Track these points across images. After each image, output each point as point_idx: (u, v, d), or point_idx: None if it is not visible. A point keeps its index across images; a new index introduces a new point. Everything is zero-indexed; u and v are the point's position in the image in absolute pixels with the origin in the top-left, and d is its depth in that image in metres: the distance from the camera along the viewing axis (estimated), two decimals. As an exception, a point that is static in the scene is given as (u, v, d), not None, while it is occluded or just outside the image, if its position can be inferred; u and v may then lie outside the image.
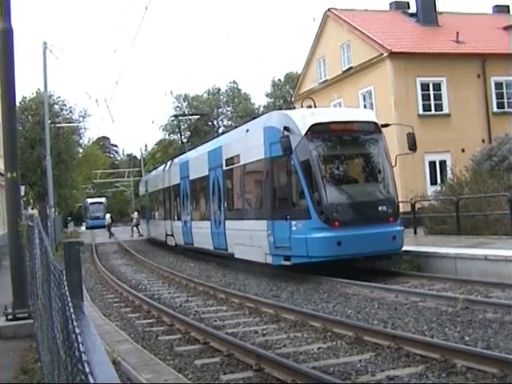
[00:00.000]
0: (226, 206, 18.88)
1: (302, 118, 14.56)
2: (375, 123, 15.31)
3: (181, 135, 47.78)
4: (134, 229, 45.82)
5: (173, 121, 55.22)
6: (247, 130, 17.56)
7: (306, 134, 14.13)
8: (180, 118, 47.96)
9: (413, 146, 16.41)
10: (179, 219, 25.55)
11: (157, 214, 33.11)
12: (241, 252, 17.42)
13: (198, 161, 22.49)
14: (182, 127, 65.78)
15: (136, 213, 47.61)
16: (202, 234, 21.35)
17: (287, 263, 14.66)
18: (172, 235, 27.33)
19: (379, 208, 14.46)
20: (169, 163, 30.04)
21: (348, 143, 15.28)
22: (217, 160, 19.60)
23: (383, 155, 15.20)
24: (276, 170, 15.13)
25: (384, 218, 14.36)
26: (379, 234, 13.92)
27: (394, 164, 15.44)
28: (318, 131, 14.36)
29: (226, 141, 19.95)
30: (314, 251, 13.78)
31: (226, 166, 18.71)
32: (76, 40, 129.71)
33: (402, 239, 14.76)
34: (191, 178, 23.34)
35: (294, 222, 14.20)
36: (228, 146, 18.95)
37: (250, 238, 16.43)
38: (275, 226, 14.89)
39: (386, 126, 16.50)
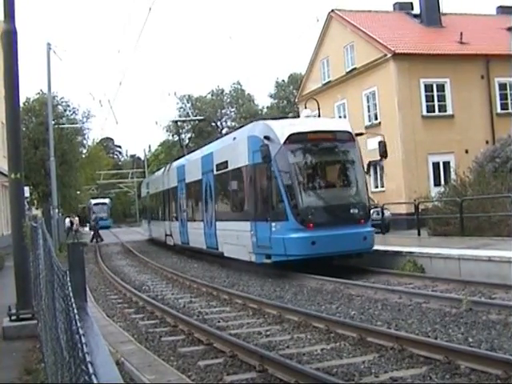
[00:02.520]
0: (216, 208, 20.38)
1: (281, 128, 15.83)
2: (349, 132, 16.49)
3: (180, 139, 48.16)
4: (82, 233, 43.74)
5: (174, 123, 55.43)
6: (234, 138, 18.89)
7: (284, 142, 15.41)
8: (182, 120, 48.37)
9: (383, 153, 17.99)
10: (177, 220, 26.97)
11: (157, 215, 34.31)
12: (229, 251, 18.79)
13: (192, 165, 23.93)
14: (186, 128, 65.89)
15: (77, 218, 45.81)
16: (196, 234, 22.74)
17: (268, 261, 15.97)
18: (171, 235, 28.60)
19: (351, 211, 15.67)
20: (168, 166, 31.35)
21: (323, 151, 16.35)
22: (208, 165, 20.98)
23: (356, 162, 16.39)
24: (258, 175, 16.38)
25: (355, 219, 15.58)
26: (351, 234, 15.13)
27: (370, 169, 17.77)
28: (295, 140, 15.59)
29: (216, 147, 21.12)
30: (290, 250, 15.02)
31: (217, 170, 20.07)
32: (79, 41, 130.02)
33: (372, 239, 16.00)
34: (187, 181, 24.78)
35: (273, 224, 15.47)
36: (218, 153, 20.27)
37: (236, 238, 17.78)
38: (257, 227, 16.21)
39: (361, 134, 18.22)
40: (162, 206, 31.64)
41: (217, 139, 23.55)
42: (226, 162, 18.98)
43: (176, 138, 66.78)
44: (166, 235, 29.87)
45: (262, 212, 16.15)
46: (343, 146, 16.43)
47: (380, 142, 17.98)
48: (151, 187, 37.16)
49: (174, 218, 27.96)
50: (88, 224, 75.77)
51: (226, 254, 19.12)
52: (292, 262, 15.29)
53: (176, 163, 28.99)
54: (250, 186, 16.88)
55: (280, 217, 15.31)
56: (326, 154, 16.49)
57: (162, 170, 33.64)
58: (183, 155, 29.69)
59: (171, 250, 28.21)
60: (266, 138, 15.45)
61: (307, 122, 17.68)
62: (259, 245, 16.10)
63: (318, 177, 16.21)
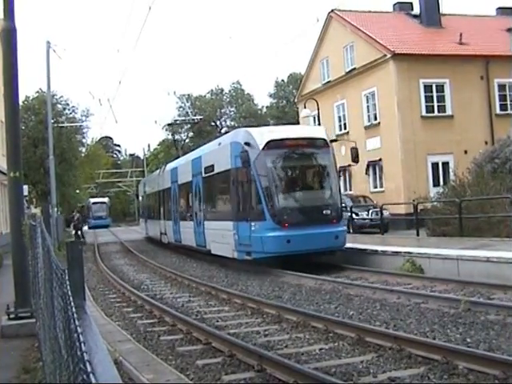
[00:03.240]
0: (204, 208, 21.78)
1: (261, 135, 17.08)
2: (324, 139, 17.62)
3: (174, 141, 48.71)
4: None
5: (171, 124, 55.71)
6: (219, 144, 20.09)
7: (263, 148, 16.63)
8: (176, 123, 48.85)
9: (355, 159, 20.14)
10: (170, 219, 28.27)
11: (153, 214, 35.56)
12: (215, 248, 20.12)
13: (184, 168, 25.28)
14: (185, 128, 65.86)
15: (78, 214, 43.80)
16: (188, 233, 24.13)
17: (248, 258, 17.19)
18: (165, 234, 30.00)
19: (323, 211, 16.81)
20: (163, 168, 32.57)
21: (299, 156, 17.53)
22: (198, 168, 22.41)
23: (330, 166, 17.56)
24: (239, 178, 17.47)
25: (328, 219, 16.72)
26: (323, 233, 16.28)
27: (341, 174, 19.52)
28: (273, 146, 16.77)
29: (204, 151, 22.49)
30: (268, 248, 16.30)
31: (205, 173, 21.38)
32: (79, 40, 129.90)
33: (344, 238, 17.19)
34: (179, 182, 26.29)
35: (253, 223, 16.71)
36: (206, 157, 21.63)
37: (221, 237, 19.05)
38: (239, 226, 17.49)
39: (335, 141, 20.67)
40: (158, 206, 32.87)
41: (205, 143, 24.58)
42: (213, 165, 20.24)
43: (176, 136, 66.83)
44: (161, 234, 31.12)
45: (242, 213, 17.37)
46: (318, 152, 17.56)
47: (352, 149, 20.19)
48: (148, 187, 38.45)
49: (168, 218, 29.14)
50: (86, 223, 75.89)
51: (212, 252, 20.42)
52: (270, 258, 16.45)
53: (170, 165, 30.33)
54: (233, 189, 18.03)
55: (258, 217, 16.55)
56: (302, 159, 17.64)
57: (158, 171, 35.21)
58: (178, 156, 31.09)
59: (170, 250, 28.22)
60: (247, 144, 16.81)
61: (285, 129, 19.22)
62: (240, 243, 17.36)
63: (293, 180, 17.66)
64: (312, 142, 17.48)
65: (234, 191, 17.94)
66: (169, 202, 28.82)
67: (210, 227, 20.73)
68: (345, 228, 17.73)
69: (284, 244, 15.96)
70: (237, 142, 17.52)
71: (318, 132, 18.37)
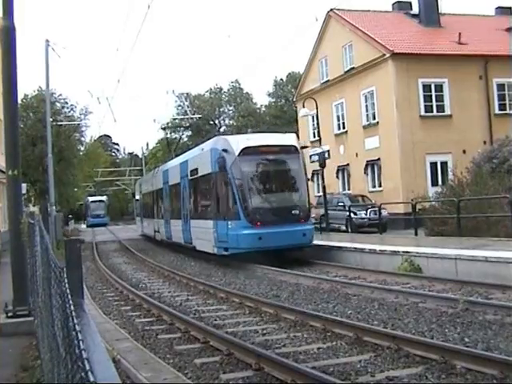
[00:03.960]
0: (190, 208, 23.60)
1: (237, 143, 18.90)
2: (294, 146, 19.46)
3: (168, 143, 49.76)
4: None
5: (164, 128, 56.48)
6: (202, 149, 21.87)
7: (238, 154, 18.43)
8: (169, 127, 49.83)
9: (322, 164, 23.42)
10: (162, 218, 30.26)
11: (147, 213, 37.41)
12: (199, 245, 22.03)
13: (174, 170, 27.12)
14: (184, 126, 65.81)
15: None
16: (177, 231, 25.96)
17: (226, 253, 18.90)
18: (158, 231, 31.90)
19: (292, 211, 18.58)
20: (156, 169, 34.73)
21: (271, 162, 19.31)
22: (185, 171, 24.14)
23: (299, 171, 19.38)
24: (218, 181, 19.31)
25: (296, 219, 18.48)
26: (292, 231, 18.02)
27: (309, 178, 20.71)
28: (247, 152, 18.53)
29: (191, 156, 24.28)
30: (242, 244, 18.14)
31: (191, 176, 23.14)
32: (78, 38, 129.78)
33: (311, 235, 19.01)
34: (170, 183, 28.11)
35: (229, 222, 18.51)
36: (191, 160, 23.44)
37: (204, 234, 20.87)
38: (218, 224, 19.26)
39: (306, 147, 22.35)
40: (152, 205, 34.73)
41: (191, 149, 26.52)
42: (197, 169, 22.14)
43: (174, 135, 66.77)
44: (155, 231, 32.99)
45: (221, 212, 19.17)
46: (288, 158, 19.33)
47: (320, 153, 22.41)
48: (143, 187, 40.31)
49: (160, 216, 31.12)
50: (85, 221, 75.83)
51: (197, 248, 22.30)
52: (244, 253, 18.18)
53: (162, 167, 32.40)
54: (213, 191, 19.90)
55: (234, 216, 18.38)
56: (273, 164, 19.43)
57: (152, 172, 37.52)
58: (171, 158, 32.63)
59: (168, 248, 28.24)
60: (224, 150, 18.73)
61: (259, 137, 20.82)
62: (219, 240, 19.21)
63: (265, 183, 19.38)
64: (283, 148, 19.24)
65: (214, 193, 19.73)
66: (161, 201, 30.69)
67: (194, 225, 22.60)
68: (312, 226, 19.50)
69: (256, 241, 17.76)
70: (216, 149, 19.39)
71: (288, 139, 19.92)
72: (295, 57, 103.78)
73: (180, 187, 25.19)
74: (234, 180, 18.39)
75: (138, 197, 44.76)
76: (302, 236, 18.34)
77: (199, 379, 7.17)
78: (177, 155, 32.12)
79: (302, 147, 20.41)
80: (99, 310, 12.07)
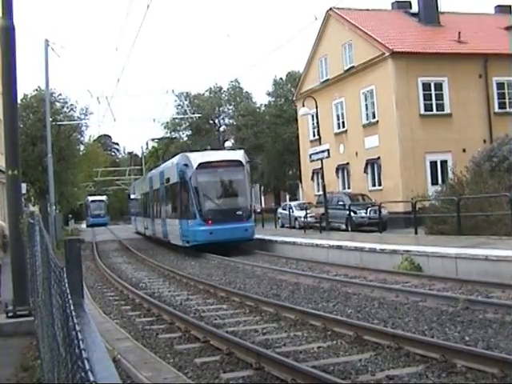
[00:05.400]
0: (166, 209, 29.13)
1: (195, 158, 24.30)
2: (239, 161, 24.44)
3: (157, 151, 53.64)
4: None
5: (154, 138, 59.71)
6: (172, 163, 27.49)
7: (196, 168, 23.62)
8: (161, 138, 59.13)
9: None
10: (149, 217, 35.78)
11: (139, 213, 42.67)
12: (172, 239, 27.44)
13: (156, 177, 32.66)
14: (184, 126, 65.78)
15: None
16: (158, 228, 31.26)
17: (188, 245, 24.32)
18: (147, 228, 37.21)
19: (237, 212, 23.64)
20: (145, 175, 40.31)
21: (221, 173, 24.30)
22: (162, 179, 29.88)
23: (244, 180, 24.46)
24: (181, 189, 24.78)
25: (240, 218, 23.55)
26: (236, 227, 23.02)
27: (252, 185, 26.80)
28: (203, 166, 23.71)
29: (166, 166, 29.90)
30: (198, 238, 23.45)
31: (166, 183, 28.77)
32: (78, 38, 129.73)
33: (252, 231, 24.27)
34: (153, 188, 33.63)
35: (189, 221, 23.82)
36: (166, 170, 29.12)
37: (174, 230, 26.21)
38: (182, 222, 24.75)
39: (251, 162, 28.03)
40: (142, 206, 40.36)
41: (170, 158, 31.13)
42: (169, 178, 27.82)
43: (174, 135, 66.75)
44: (145, 228, 38.38)
45: (183, 213, 24.63)
46: (234, 170, 24.28)
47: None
48: (136, 190, 46.29)
49: (148, 216, 36.46)
50: (85, 221, 75.78)
51: (171, 242, 27.56)
52: (200, 245, 23.28)
53: (149, 173, 38.63)
54: (178, 196, 25.45)
55: (192, 216, 23.65)
56: (222, 175, 24.39)
57: (143, 177, 44.39)
58: (159, 165, 37.06)
59: (168, 248, 28.24)
60: (185, 165, 24.14)
61: (213, 154, 27.51)
62: (183, 234, 24.67)
63: (216, 190, 24.41)
64: (230, 163, 24.41)
65: (179, 197, 25.22)
66: (148, 203, 36.52)
67: (168, 223, 28.04)
68: (253, 224, 24.58)
69: (208, 235, 22.90)
70: (179, 163, 24.94)
71: (236, 155, 25.42)
72: (295, 56, 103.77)
73: (160, 192, 30.76)
74: (192, 188, 23.59)
75: (132, 197, 49.88)
76: (244, 231, 23.46)
77: (199, 379, 7.17)
78: (164, 161, 35.95)
79: (247, 162, 25.15)
80: (99, 310, 12.06)
